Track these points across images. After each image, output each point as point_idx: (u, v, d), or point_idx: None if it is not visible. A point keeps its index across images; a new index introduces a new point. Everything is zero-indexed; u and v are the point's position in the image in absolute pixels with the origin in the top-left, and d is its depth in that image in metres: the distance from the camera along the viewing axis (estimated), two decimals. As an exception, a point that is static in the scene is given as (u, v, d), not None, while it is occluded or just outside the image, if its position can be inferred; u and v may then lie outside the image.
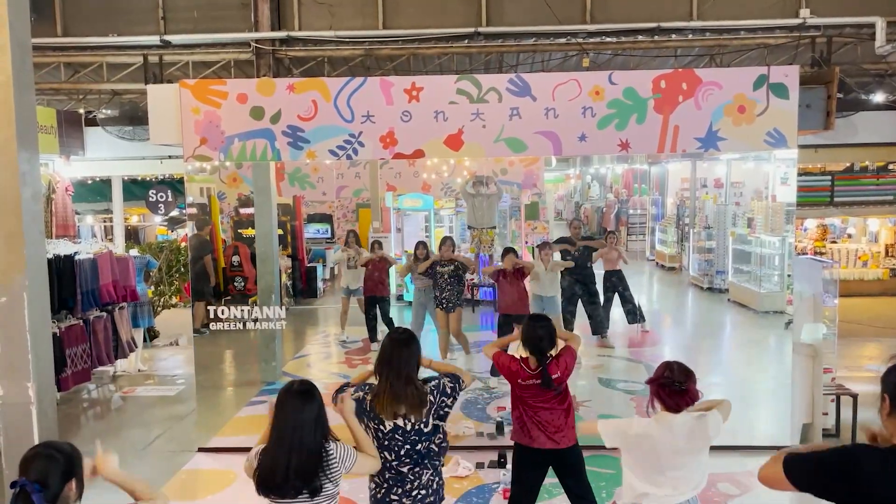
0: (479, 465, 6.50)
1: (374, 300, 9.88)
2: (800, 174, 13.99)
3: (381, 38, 9.24)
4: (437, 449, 3.68)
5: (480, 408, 7.98)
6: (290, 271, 13.85)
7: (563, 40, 9.18)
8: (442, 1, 9.30)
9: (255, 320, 7.24)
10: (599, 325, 9.65)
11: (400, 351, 3.58)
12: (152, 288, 11.85)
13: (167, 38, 9.27)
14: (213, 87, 6.88)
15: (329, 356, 10.65)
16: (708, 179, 18.15)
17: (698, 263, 15.28)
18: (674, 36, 9.06)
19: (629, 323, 10.03)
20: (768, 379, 7.90)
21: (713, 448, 4.56)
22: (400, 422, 3.56)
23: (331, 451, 3.24)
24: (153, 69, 8.78)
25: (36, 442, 4.88)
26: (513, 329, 8.47)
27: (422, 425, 3.58)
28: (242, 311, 7.23)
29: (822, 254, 15.51)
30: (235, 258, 12.30)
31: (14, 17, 4.85)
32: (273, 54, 9.30)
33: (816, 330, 6.96)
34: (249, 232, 11.93)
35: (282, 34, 9.28)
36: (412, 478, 3.63)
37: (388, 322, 9.86)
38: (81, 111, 10.76)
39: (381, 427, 3.58)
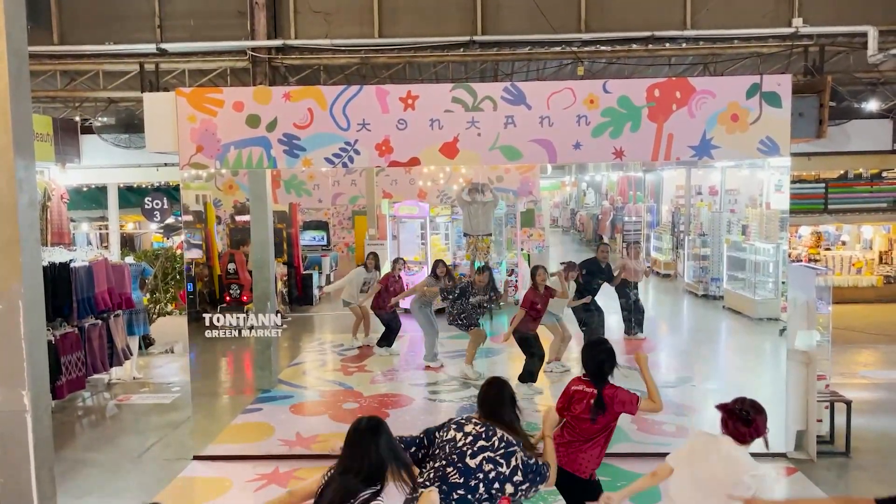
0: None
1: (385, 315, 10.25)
2: (794, 181, 14.08)
3: (377, 47, 9.28)
4: None
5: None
6: (285, 279, 13.85)
7: (557, 49, 9.22)
8: (438, 9, 9.35)
9: (251, 328, 7.23)
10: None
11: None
12: (148, 295, 11.83)
13: (164, 46, 9.29)
14: (210, 95, 6.90)
15: (325, 363, 10.65)
16: (703, 187, 18.22)
17: (693, 270, 15.33)
18: (668, 45, 9.11)
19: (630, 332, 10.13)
20: (763, 385, 7.92)
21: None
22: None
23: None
24: (149, 77, 8.80)
25: (31, 450, 4.88)
26: (532, 348, 8.56)
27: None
28: (238, 318, 7.22)
29: (816, 261, 15.56)
30: (231, 266, 12.29)
31: (10, 26, 4.87)
32: (269, 62, 9.33)
33: (810, 337, 7.00)
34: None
35: (278, 42, 9.31)
36: None
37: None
38: (77, 119, 10.77)
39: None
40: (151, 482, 6.64)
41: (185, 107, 6.81)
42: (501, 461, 3.54)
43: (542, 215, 18.68)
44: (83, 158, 10.73)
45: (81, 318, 8.79)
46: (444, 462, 3.55)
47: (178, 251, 13.53)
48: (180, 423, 8.25)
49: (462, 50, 9.30)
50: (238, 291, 12.21)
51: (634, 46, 9.10)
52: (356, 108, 6.75)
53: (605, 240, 22.36)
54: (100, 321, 9.16)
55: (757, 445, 3.81)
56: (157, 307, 12.27)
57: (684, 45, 9.13)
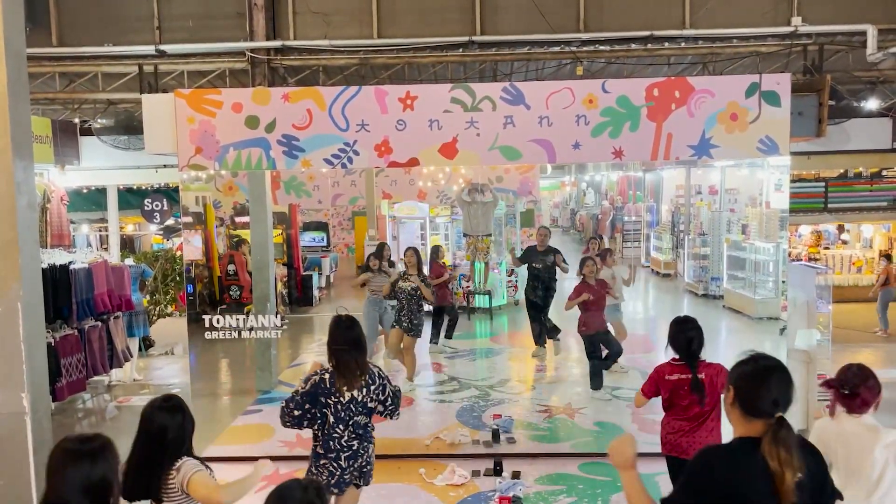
0: (475, 473, 6.49)
1: (442, 309, 10.16)
2: (794, 181, 14.07)
3: (376, 47, 9.28)
4: (371, 429, 4.38)
5: (476, 416, 7.97)
6: (285, 280, 13.85)
7: (556, 49, 9.22)
8: (437, 10, 9.34)
9: (251, 329, 7.23)
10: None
11: (349, 333, 4.24)
12: (147, 297, 11.83)
13: (162, 47, 9.29)
14: (208, 96, 6.90)
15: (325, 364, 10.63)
16: (703, 186, 18.22)
17: (693, 270, 15.34)
18: (667, 44, 9.10)
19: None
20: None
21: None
22: (355, 393, 4.21)
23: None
24: (148, 79, 8.80)
25: (31, 453, 4.88)
26: (600, 353, 8.32)
27: (368, 400, 4.26)
28: (238, 319, 7.22)
29: (816, 260, 15.56)
30: (231, 267, 12.30)
31: (9, 28, 4.87)
32: (268, 63, 9.32)
33: (811, 336, 7.00)
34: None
35: (277, 43, 9.31)
36: (362, 452, 4.32)
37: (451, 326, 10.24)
38: (77, 121, 10.76)
39: (340, 399, 4.18)
40: (151, 484, 6.63)
41: (184, 108, 6.81)
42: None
43: (542, 215, 18.70)
44: (82, 160, 10.73)
45: (81, 319, 8.79)
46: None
47: (178, 252, 13.53)
48: (180, 424, 8.24)
49: (461, 50, 9.30)
50: (238, 293, 12.21)
51: (633, 46, 9.10)
52: (355, 108, 6.75)
53: (603, 239, 22.38)
54: (100, 323, 9.15)
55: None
56: (157, 309, 12.27)
57: (683, 45, 9.12)
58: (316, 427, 4.27)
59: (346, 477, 4.31)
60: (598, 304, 8.25)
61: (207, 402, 8.80)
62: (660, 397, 4.75)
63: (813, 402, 6.98)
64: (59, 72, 9.89)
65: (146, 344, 11.47)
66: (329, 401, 4.18)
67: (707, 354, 4.88)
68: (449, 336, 10.28)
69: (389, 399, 4.37)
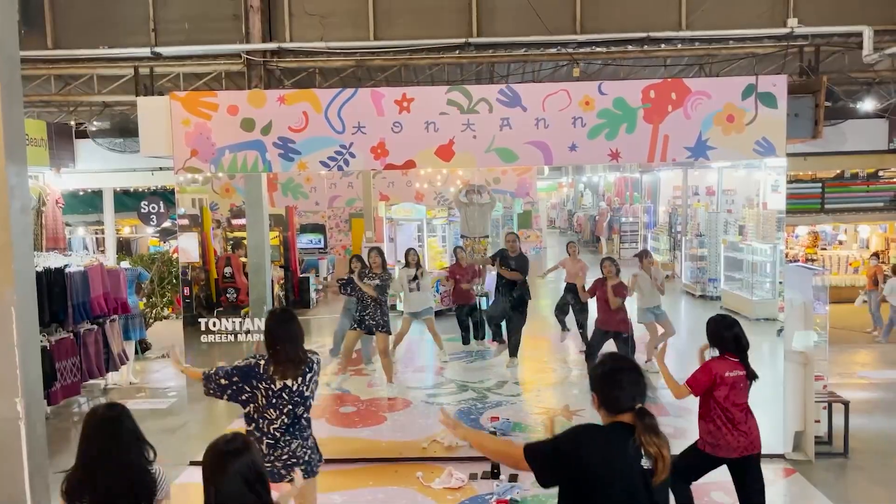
0: (473, 476, 6.48)
1: (466, 308, 10.25)
2: (790, 181, 14.07)
3: (372, 49, 9.25)
4: (306, 422, 4.40)
5: (474, 418, 7.95)
6: (282, 282, 13.81)
7: (553, 50, 9.20)
8: (433, 12, 9.31)
9: (248, 332, 7.20)
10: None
11: (283, 325, 4.30)
12: (144, 300, 11.79)
13: (158, 49, 9.26)
14: (204, 98, 6.88)
15: (322, 367, 10.59)
16: (700, 187, 18.22)
17: (691, 271, 15.32)
18: (663, 46, 9.09)
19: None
20: (761, 386, 7.84)
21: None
22: (289, 382, 4.23)
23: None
24: (144, 81, 8.76)
25: (25, 458, 4.85)
26: (602, 341, 8.39)
27: (304, 388, 4.29)
28: (234, 322, 7.19)
29: (813, 260, 15.57)
30: (228, 269, 12.27)
31: (3, 30, 4.85)
32: (264, 66, 9.29)
33: (808, 337, 6.99)
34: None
35: (273, 46, 9.28)
36: (283, 445, 4.32)
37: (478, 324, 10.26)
38: (72, 123, 10.72)
39: (272, 386, 4.22)
40: (147, 488, 6.60)
41: (180, 110, 6.79)
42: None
43: (540, 217, 18.69)
44: (78, 163, 10.69)
45: (77, 323, 8.76)
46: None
47: (175, 255, 13.50)
48: (177, 428, 8.22)
49: (457, 52, 9.28)
50: (235, 295, 12.18)
51: (630, 48, 9.09)
52: (351, 110, 6.73)
53: (603, 241, 22.35)
54: (95, 326, 9.12)
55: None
56: (154, 311, 12.24)
57: (680, 46, 9.11)
58: (249, 408, 4.32)
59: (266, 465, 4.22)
60: (606, 303, 8.25)
61: (204, 405, 8.76)
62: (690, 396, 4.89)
63: (811, 405, 6.97)
64: (55, 74, 9.85)
65: (143, 347, 11.44)
66: (260, 385, 4.24)
67: (705, 356, 4.94)
68: (477, 336, 10.25)
69: (315, 388, 4.46)
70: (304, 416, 4.38)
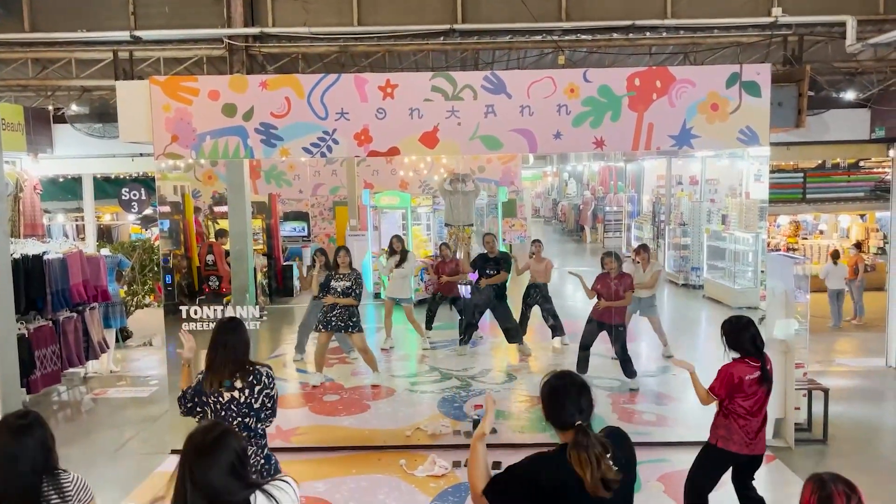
0: (456, 464, 6.48)
1: (448, 298, 10.25)
2: (773, 171, 14.17)
3: (355, 35, 9.15)
4: (261, 433, 4.27)
5: (458, 406, 7.96)
6: (265, 270, 13.72)
7: (538, 38, 9.15)
8: (417, -3, 9.24)
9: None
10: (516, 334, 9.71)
11: (219, 335, 4.18)
12: (125, 288, 11.66)
13: (138, 33, 9.09)
14: (185, 83, 6.78)
15: (306, 355, 10.55)
16: (683, 177, 18.32)
17: (674, 260, 15.42)
18: (648, 34, 9.07)
19: (553, 336, 10.00)
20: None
21: (688, 443, 4.55)
22: (236, 394, 4.14)
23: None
24: (123, 65, 8.61)
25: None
26: (597, 333, 8.38)
27: (252, 400, 4.16)
28: (216, 310, 7.12)
29: (794, 250, 15.71)
30: (210, 257, 12.16)
31: (-24, 12, 4.73)
32: (246, 51, 9.16)
33: (789, 325, 7.04)
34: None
35: (255, 30, 9.15)
36: None
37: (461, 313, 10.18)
38: (50, 108, 10.53)
39: (220, 399, 4.14)
40: (128, 477, 6.56)
41: (160, 95, 6.68)
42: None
43: (524, 205, 18.69)
44: (56, 148, 10.50)
45: (56, 310, 8.65)
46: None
47: (156, 242, 13.35)
48: (158, 416, 8.16)
49: (442, 38, 9.20)
50: (217, 283, 12.08)
51: (615, 35, 9.06)
52: (334, 96, 6.66)
53: (587, 230, 22.45)
54: (75, 314, 9.01)
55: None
56: (135, 299, 12.11)
57: (664, 35, 9.10)
58: None
59: None
60: (609, 296, 8.23)
61: (186, 393, 8.70)
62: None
63: (791, 392, 7.04)
64: (32, 58, 9.66)
65: (123, 335, 11.33)
66: (208, 399, 4.17)
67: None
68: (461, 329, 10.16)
69: (271, 402, 4.26)
70: (258, 427, 4.26)
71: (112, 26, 9.19)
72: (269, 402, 4.23)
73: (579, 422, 2.80)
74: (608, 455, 2.74)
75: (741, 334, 4.82)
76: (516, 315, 9.71)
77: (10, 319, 5.07)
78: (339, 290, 8.23)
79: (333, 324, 8.28)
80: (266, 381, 4.21)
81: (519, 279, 10.43)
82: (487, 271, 9.34)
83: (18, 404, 5.11)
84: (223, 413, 4.17)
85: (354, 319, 8.32)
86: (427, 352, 10.02)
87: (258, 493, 2.59)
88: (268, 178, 14.85)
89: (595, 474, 2.69)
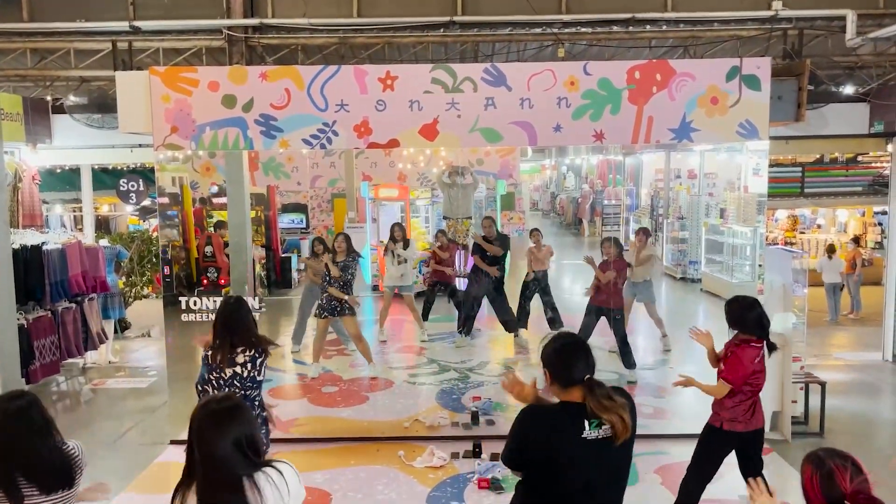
0: (455, 455, 6.51)
1: (451, 291, 10.37)
2: (771, 165, 14.13)
3: (355, 27, 9.13)
4: (257, 403, 4.51)
5: (456, 398, 7.99)
6: (264, 262, 13.72)
7: (538, 30, 9.14)
8: (417, -11, 9.21)
9: (228, 311, 7.13)
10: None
11: (224, 312, 4.49)
12: (123, 279, 11.66)
13: (137, 24, 9.06)
14: (184, 74, 6.77)
15: (304, 347, 10.57)
16: (682, 170, 18.32)
17: (672, 253, 15.44)
18: (648, 27, 9.06)
19: (551, 329, 10.02)
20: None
21: (685, 436, 4.58)
22: (238, 369, 4.37)
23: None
24: (122, 56, 8.57)
25: None
26: (595, 323, 8.37)
27: (255, 373, 4.42)
28: (215, 302, 7.13)
29: (792, 244, 15.75)
30: (208, 248, 12.16)
31: (-24, 1, 4.72)
32: (246, 42, 9.14)
33: (786, 319, 7.07)
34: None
35: (255, 21, 9.12)
36: None
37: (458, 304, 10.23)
38: (49, 98, 10.50)
39: (222, 375, 4.37)
40: (128, 468, 6.58)
41: (159, 86, 6.67)
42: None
43: (523, 199, 18.67)
44: (55, 139, 10.48)
45: (55, 301, 8.65)
46: None
47: (154, 234, 13.34)
48: (157, 407, 8.18)
49: (442, 31, 9.18)
50: (215, 274, 12.08)
51: (615, 28, 9.05)
52: (334, 88, 6.65)
53: (585, 223, 22.44)
54: (74, 305, 9.02)
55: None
56: (133, 290, 12.12)
57: (665, 28, 9.09)
58: None
59: None
60: (608, 283, 8.24)
61: (184, 384, 8.68)
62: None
63: (788, 385, 7.07)
64: (31, 48, 9.62)
65: (122, 326, 11.34)
66: (211, 376, 4.42)
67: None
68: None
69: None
70: (256, 397, 4.51)
71: (111, 16, 9.16)
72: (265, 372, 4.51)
73: (588, 376, 2.91)
74: (627, 410, 2.88)
75: (746, 312, 4.81)
76: (515, 308, 9.72)
77: (10, 309, 5.09)
78: (336, 274, 8.27)
79: (329, 308, 8.30)
80: (265, 354, 4.51)
81: (517, 272, 10.42)
82: (488, 253, 9.34)
83: (19, 394, 5.12)
84: (226, 389, 4.33)
85: (347, 304, 8.32)
86: (425, 344, 10.03)
87: (259, 472, 2.60)
88: (266, 171, 14.81)
89: (625, 417, 2.82)
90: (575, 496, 2.91)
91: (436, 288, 10.47)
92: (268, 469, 2.64)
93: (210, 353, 4.47)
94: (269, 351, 4.58)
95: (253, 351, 4.42)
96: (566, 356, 2.97)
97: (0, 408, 2.97)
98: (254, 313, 6.99)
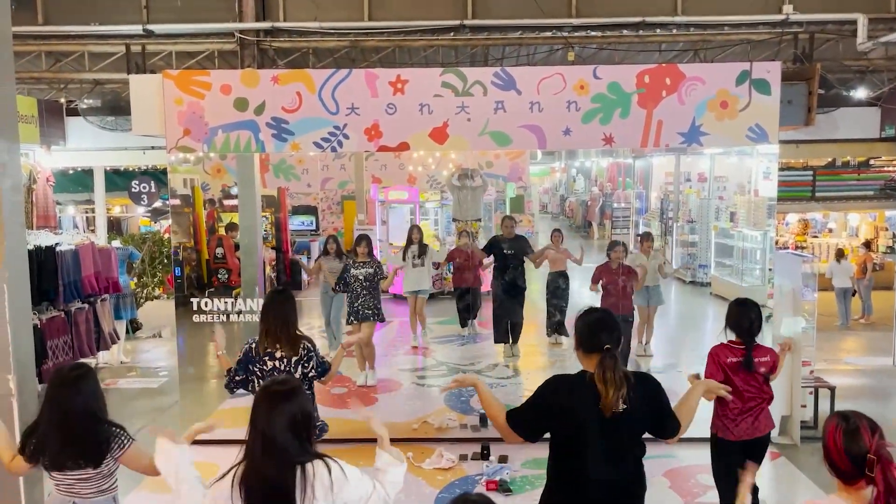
0: (463, 457, 6.54)
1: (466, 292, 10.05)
2: (782, 169, 14.13)
3: (366, 30, 9.20)
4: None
5: (464, 400, 8.01)
6: (274, 263, 13.78)
7: (548, 34, 9.18)
8: (428, -7, 9.27)
9: (239, 313, 7.21)
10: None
11: (281, 303, 4.54)
12: (135, 279, 11.76)
13: (150, 27, 9.17)
14: (197, 77, 6.84)
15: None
16: (692, 174, 18.25)
17: (681, 257, 15.39)
18: (658, 31, 9.08)
19: (553, 333, 9.90)
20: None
21: (693, 440, 4.57)
22: (277, 363, 4.45)
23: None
24: (136, 59, 8.69)
25: (18, 434, 4.85)
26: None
27: (292, 368, 4.46)
28: (226, 303, 7.20)
29: (803, 248, 15.68)
30: (219, 250, 12.23)
31: (-6, 6, 4.79)
32: (257, 45, 9.23)
33: (796, 323, 7.06)
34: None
35: (266, 25, 9.21)
36: None
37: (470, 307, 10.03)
38: (63, 101, 10.62)
39: (263, 367, 4.47)
40: (139, 466, 6.62)
41: (172, 89, 6.74)
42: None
43: (532, 201, 18.68)
44: (69, 141, 10.60)
45: (68, 302, 8.73)
46: None
47: (166, 235, 13.44)
48: (168, 407, 8.24)
49: (452, 34, 9.24)
50: (226, 276, 12.15)
51: (625, 32, 9.07)
52: (345, 91, 6.70)
53: (594, 226, 22.40)
54: (86, 305, 9.10)
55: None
56: (145, 291, 12.21)
57: (675, 32, 9.11)
58: (250, 388, 4.57)
59: None
60: (616, 288, 8.16)
61: (195, 385, 8.78)
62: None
63: (797, 390, 7.06)
64: (45, 51, 9.76)
65: (133, 327, 11.43)
66: (254, 367, 4.50)
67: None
68: (473, 316, 10.09)
69: (319, 366, 4.59)
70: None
71: (125, 20, 9.28)
72: (310, 372, 4.52)
73: (608, 345, 3.14)
74: (623, 390, 3.06)
75: (739, 314, 4.73)
76: (536, 313, 9.58)
77: (26, 308, 5.16)
78: (360, 277, 8.24)
79: (362, 313, 8.27)
80: (304, 353, 4.50)
81: (533, 276, 10.36)
82: (505, 251, 9.32)
83: (34, 393, 5.19)
84: (266, 381, 4.34)
85: (378, 307, 8.35)
86: (434, 346, 10.05)
87: (317, 461, 2.66)
88: (276, 172, 14.88)
89: (615, 393, 3.04)
90: (594, 461, 3.12)
91: (466, 296, 10.28)
92: (331, 463, 2.71)
93: (254, 344, 4.53)
94: (304, 352, 4.55)
95: (293, 348, 4.49)
96: (593, 325, 3.25)
97: (60, 374, 3.47)
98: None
